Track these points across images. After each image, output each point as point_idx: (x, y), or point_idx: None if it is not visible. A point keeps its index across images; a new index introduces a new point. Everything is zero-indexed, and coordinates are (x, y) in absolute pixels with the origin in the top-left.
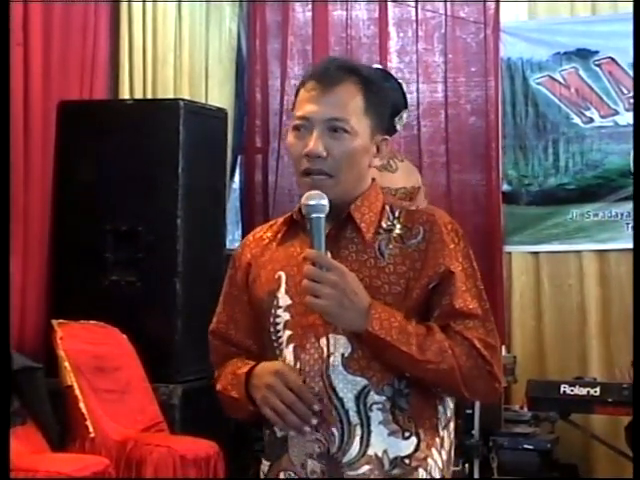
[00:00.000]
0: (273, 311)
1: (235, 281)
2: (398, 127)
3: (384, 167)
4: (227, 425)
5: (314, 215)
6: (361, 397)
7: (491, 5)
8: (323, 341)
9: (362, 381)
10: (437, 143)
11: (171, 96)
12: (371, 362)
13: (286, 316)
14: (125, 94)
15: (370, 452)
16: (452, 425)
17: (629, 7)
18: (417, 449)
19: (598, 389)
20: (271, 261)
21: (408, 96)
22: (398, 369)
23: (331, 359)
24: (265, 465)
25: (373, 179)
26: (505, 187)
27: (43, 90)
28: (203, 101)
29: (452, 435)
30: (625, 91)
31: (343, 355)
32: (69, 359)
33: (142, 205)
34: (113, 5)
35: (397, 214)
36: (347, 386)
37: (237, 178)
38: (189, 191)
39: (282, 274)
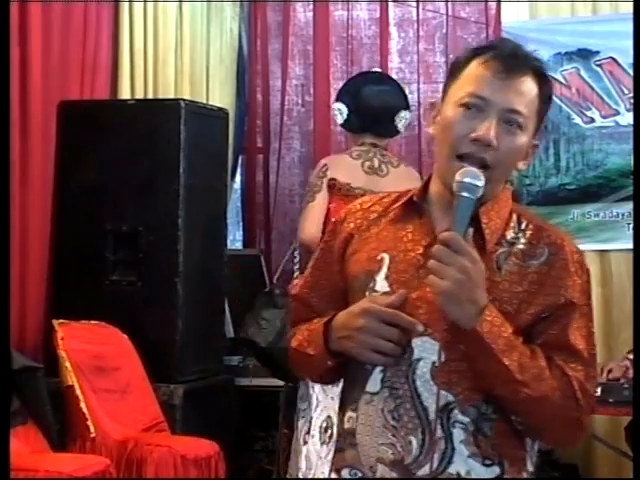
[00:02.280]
0: (367, 293)
1: (330, 248)
2: (400, 127)
3: (373, 170)
4: (227, 425)
5: (465, 194)
6: (444, 412)
7: (492, 5)
8: (416, 342)
9: (447, 396)
10: None
11: (172, 96)
12: (462, 378)
13: None
14: (126, 94)
15: (452, 470)
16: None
17: (630, 7)
18: None
19: (599, 389)
20: (376, 239)
21: (409, 96)
22: (488, 386)
23: (420, 364)
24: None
25: (507, 181)
26: None
27: (43, 91)
28: (204, 101)
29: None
30: (626, 91)
31: (433, 363)
32: (70, 359)
33: (143, 205)
34: (114, 5)
35: (524, 226)
36: (432, 397)
37: (238, 178)
38: (190, 191)
39: (385, 256)
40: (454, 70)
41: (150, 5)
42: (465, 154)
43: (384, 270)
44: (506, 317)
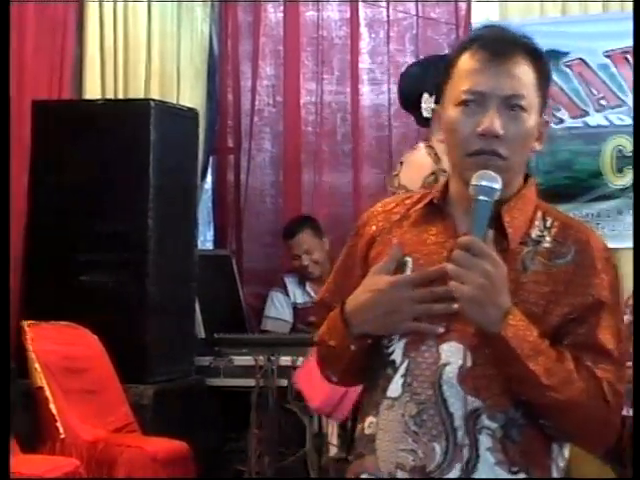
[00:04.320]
0: None
1: (354, 252)
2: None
3: None
4: (198, 425)
5: (482, 197)
6: (471, 418)
7: (462, 6)
8: (443, 347)
9: (475, 402)
10: (408, 144)
11: (142, 97)
12: (490, 383)
13: None
14: (96, 94)
15: (475, 477)
16: (564, 468)
17: (599, 8)
18: None
19: None
20: (399, 241)
21: (380, 97)
22: (515, 391)
23: (447, 369)
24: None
25: (529, 175)
26: None
27: (18, 90)
28: (175, 102)
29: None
30: (595, 92)
31: (461, 368)
32: (39, 360)
33: (113, 206)
34: (81, 5)
35: (549, 224)
36: (458, 402)
37: (209, 178)
38: (160, 191)
39: (409, 260)
40: (447, 69)
41: (120, 5)
42: (476, 151)
43: (408, 273)
44: (533, 318)
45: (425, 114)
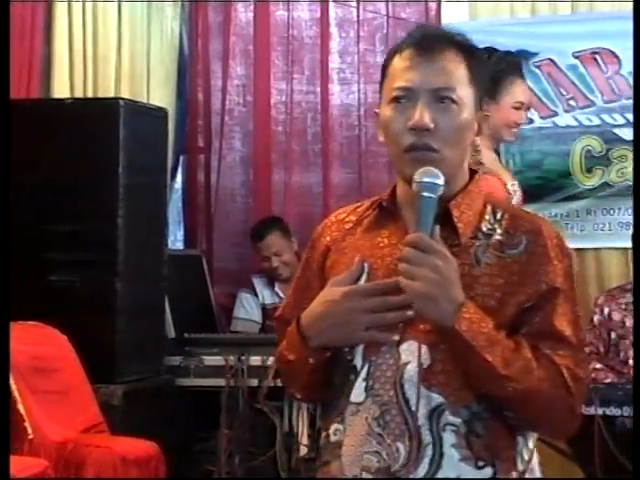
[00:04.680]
0: None
1: (310, 265)
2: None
3: None
4: (168, 426)
5: (425, 194)
6: (434, 415)
7: (432, 6)
8: (402, 346)
9: (438, 398)
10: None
11: (112, 96)
12: (451, 379)
13: None
14: (65, 94)
15: (440, 476)
16: (535, 461)
17: (567, 9)
18: None
19: None
20: (353, 248)
21: (350, 96)
22: (477, 385)
23: (407, 368)
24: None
25: (476, 171)
26: None
27: None
28: (145, 101)
29: (537, 470)
30: (564, 92)
31: (421, 366)
32: None
33: (82, 205)
34: (50, 5)
35: (499, 216)
36: (421, 401)
37: (179, 178)
38: (130, 191)
39: (365, 264)
40: (382, 73)
41: (89, 5)
42: (409, 146)
43: (364, 278)
44: (489, 311)
45: None
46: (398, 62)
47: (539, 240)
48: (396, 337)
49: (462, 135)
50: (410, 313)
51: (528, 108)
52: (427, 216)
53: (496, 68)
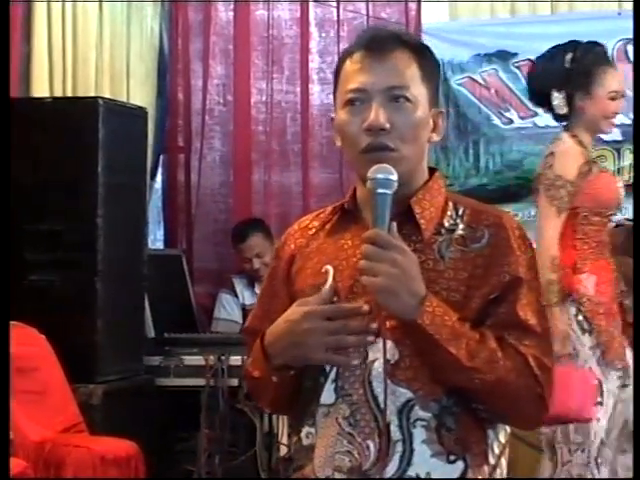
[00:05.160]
0: None
1: (276, 274)
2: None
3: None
4: (148, 425)
5: (380, 190)
6: (404, 411)
7: (412, 6)
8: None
9: (407, 393)
10: None
11: (92, 95)
12: (418, 373)
13: None
14: (44, 93)
15: (411, 472)
16: (507, 453)
17: (547, 9)
18: (463, 475)
19: None
20: (318, 252)
21: (330, 96)
22: (443, 379)
23: (375, 365)
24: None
25: (435, 169)
26: None
27: None
28: (125, 100)
29: (505, 465)
30: None
31: (388, 362)
32: None
33: (61, 205)
34: (29, 4)
35: (461, 212)
36: (390, 397)
37: (159, 178)
38: (109, 190)
39: (330, 268)
40: (335, 78)
41: (69, 4)
42: (366, 147)
43: (329, 281)
44: (455, 305)
45: (558, 111)
46: (349, 65)
47: (501, 233)
48: (355, 362)
49: (418, 133)
50: (370, 339)
51: (623, 95)
52: (383, 212)
53: (584, 61)
